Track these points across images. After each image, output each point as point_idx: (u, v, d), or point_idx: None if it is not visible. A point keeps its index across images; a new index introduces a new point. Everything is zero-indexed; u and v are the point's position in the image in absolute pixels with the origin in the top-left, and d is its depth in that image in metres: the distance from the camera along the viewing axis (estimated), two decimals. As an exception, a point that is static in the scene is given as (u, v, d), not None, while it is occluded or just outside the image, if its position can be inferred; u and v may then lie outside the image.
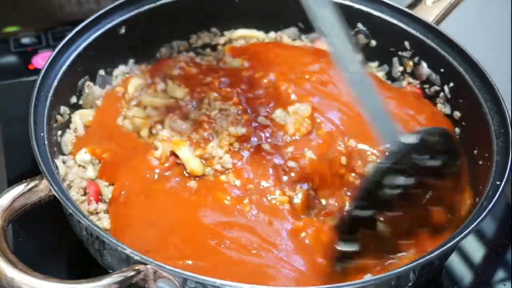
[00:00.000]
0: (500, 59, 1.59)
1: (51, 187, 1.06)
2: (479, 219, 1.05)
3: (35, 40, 1.70)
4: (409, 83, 1.45)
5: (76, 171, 1.24)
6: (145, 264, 0.97)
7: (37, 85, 1.19)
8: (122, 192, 1.20)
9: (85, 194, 1.21)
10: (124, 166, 1.24)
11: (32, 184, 1.09)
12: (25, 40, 1.70)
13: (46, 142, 1.13)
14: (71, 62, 1.27)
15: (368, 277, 1.08)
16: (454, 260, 1.29)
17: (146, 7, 1.40)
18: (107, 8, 1.35)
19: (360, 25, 1.46)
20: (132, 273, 0.97)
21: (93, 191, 1.20)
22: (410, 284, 1.07)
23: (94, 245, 1.09)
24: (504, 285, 1.25)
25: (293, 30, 1.55)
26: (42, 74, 1.21)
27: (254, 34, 1.55)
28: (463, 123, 1.32)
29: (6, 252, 0.99)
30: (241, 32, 1.54)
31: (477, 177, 1.21)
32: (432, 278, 1.22)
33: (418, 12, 1.39)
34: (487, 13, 1.65)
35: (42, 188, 1.09)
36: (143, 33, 1.42)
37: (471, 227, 1.04)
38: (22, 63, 1.64)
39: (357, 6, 1.43)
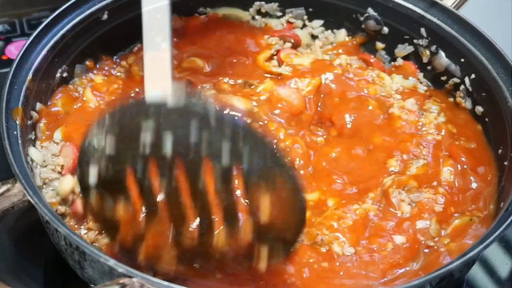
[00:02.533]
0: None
1: (25, 192, 0.99)
2: (504, 225, 1.00)
3: (8, 27, 1.63)
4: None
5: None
6: (130, 277, 0.91)
7: (9, 77, 1.13)
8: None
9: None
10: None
11: (3, 188, 1.02)
12: (-2, 28, 1.66)
13: (20, 142, 1.06)
14: (47, 51, 1.20)
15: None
16: (478, 273, 1.24)
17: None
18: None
19: (370, 10, 1.39)
20: (116, 287, 0.90)
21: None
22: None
23: (73, 256, 1.04)
24: (532, 301, 1.21)
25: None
26: (14, 66, 1.15)
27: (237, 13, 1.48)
28: (486, 119, 1.27)
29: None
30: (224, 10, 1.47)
31: (502, 179, 1.16)
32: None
33: (439, -1, 1.34)
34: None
35: (15, 192, 1.03)
36: (128, 19, 1.35)
37: (495, 235, 0.99)
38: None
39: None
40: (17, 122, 1.09)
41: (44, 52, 1.20)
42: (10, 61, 1.50)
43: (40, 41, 1.21)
